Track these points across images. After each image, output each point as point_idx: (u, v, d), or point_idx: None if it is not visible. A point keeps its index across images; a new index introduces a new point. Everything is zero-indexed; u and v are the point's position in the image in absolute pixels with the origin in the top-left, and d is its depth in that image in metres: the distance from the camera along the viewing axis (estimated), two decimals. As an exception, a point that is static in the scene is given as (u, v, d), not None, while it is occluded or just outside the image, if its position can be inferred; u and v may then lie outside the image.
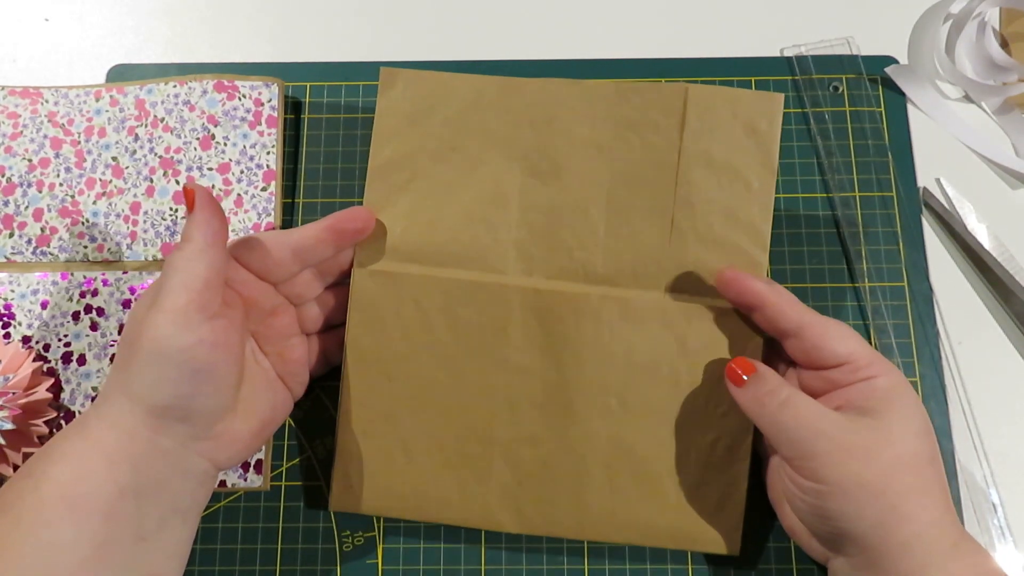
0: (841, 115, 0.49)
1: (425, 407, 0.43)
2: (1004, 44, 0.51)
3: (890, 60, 0.50)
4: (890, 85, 0.50)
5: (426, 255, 0.43)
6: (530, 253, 0.43)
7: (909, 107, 0.50)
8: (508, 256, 0.43)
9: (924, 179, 0.48)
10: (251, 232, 0.46)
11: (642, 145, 0.43)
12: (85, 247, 0.47)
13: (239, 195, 0.47)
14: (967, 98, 0.50)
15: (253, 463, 0.44)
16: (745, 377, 0.39)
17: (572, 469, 0.42)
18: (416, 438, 0.43)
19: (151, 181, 0.47)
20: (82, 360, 0.45)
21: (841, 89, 0.50)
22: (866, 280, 0.46)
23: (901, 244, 0.47)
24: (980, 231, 0.47)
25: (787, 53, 0.51)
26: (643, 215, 0.42)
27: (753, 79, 0.50)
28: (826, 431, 0.36)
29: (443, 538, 0.44)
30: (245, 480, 0.44)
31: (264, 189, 0.47)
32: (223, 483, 0.44)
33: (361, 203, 0.48)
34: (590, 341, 0.42)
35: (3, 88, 0.49)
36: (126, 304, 0.46)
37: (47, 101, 0.49)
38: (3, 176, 0.48)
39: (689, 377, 0.42)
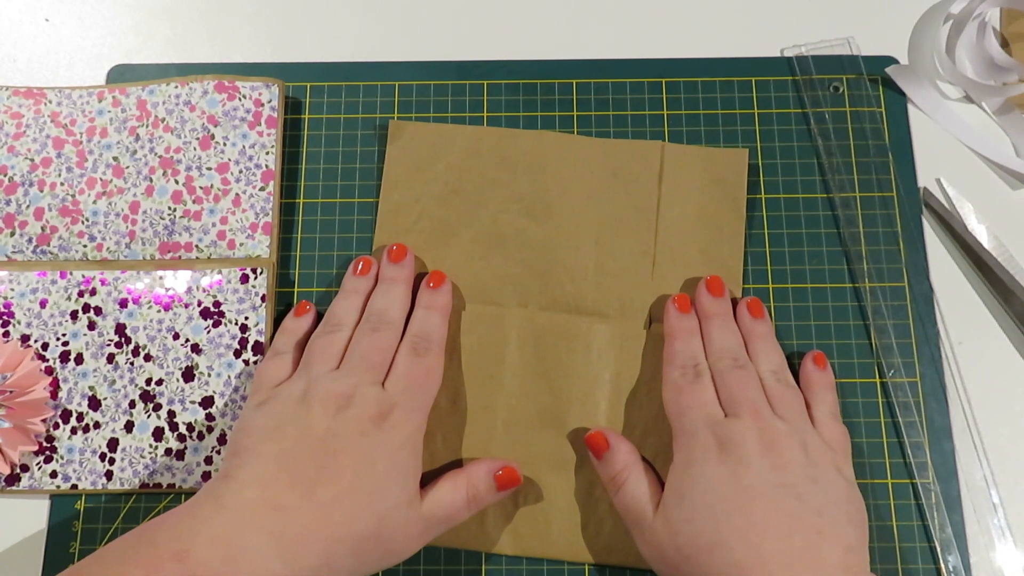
0: (841, 115, 0.49)
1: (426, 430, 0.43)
2: (1004, 44, 0.50)
3: (890, 60, 0.50)
4: (890, 85, 0.50)
5: None
6: (525, 287, 0.46)
7: (909, 107, 0.49)
8: (505, 289, 0.46)
9: (924, 179, 0.48)
10: (249, 231, 0.46)
11: (626, 194, 0.47)
12: (84, 246, 0.47)
13: (237, 194, 0.47)
14: (967, 98, 0.50)
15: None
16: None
17: (566, 490, 0.43)
18: None
19: (150, 180, 0.47)
20: (79, 359, 0.45)
21: (841, 89, 0.49)
22: (866, 280, 0.46)
23: (901, 244, 0.47)
24: (980, 231, 0.47)
25: (787, 53, 0.50)
26: (628, 255, 0.46)
27: (753, 79, 0.50)
28: (637, 523, 0.40)
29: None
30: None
31: (262, 189, 0.47)
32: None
33: (360, 203, 0.48)
34: (580, 365, 0.45)
35: (7, 88, 0.50)
36: (123, 304, 0.46)
37: (50, 101, 0.49)
38: (5, 175, 0.48)
39: None
